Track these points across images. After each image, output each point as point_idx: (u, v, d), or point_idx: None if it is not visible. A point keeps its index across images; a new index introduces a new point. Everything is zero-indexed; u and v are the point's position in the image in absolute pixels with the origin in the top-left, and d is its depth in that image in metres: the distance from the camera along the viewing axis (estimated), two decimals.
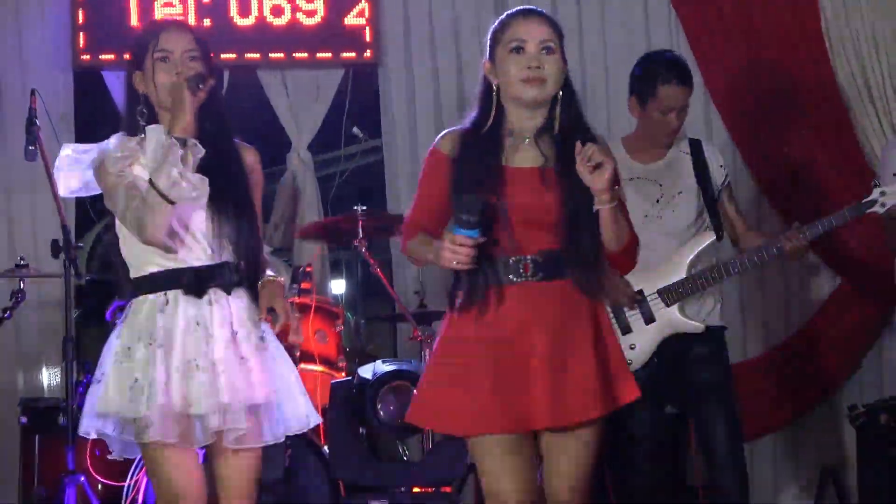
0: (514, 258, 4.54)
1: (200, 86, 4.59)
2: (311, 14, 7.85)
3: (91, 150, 4.74)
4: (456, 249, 4.37)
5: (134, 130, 4.69)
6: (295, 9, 7.85)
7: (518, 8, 4.70)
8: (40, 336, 7.61)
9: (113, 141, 4.70)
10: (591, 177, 4.42)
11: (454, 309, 4.56)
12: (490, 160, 4.56)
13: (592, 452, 4.62)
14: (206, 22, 7.72)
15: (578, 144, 4.42)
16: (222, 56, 7.59)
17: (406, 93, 8.02)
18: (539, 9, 4.72)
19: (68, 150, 4.82)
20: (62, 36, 7.79)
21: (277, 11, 7.84)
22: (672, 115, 6.45)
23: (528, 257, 4.55)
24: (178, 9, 7.77)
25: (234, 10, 7.82)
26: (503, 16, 4.68)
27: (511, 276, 4.54)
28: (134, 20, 7.75)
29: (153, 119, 4.67)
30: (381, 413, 6.50)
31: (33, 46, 7.82)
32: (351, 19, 7.87)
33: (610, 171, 4.43)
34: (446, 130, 4.70)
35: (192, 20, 7.61)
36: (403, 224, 4.72)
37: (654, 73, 6.43)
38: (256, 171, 4.84)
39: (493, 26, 4.67)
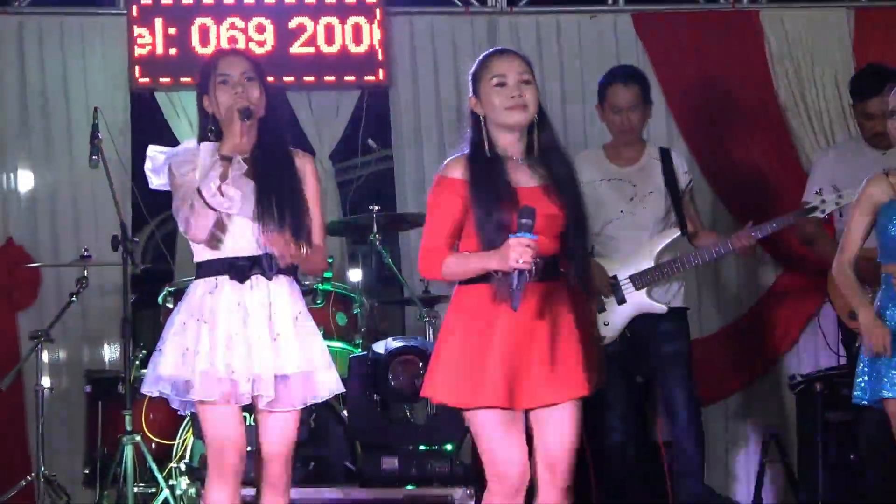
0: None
1: (248, 119, 4.61)
2: (331, 44, 7.80)
3: (168, 152, 4.80)
4: (524, 250, 4.31)
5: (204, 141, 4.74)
6: (321, 38, 7.80)
7: (493, 49, 4.73)
8: (102, 317, 7.58)
9: (180, 147, 4.78)
10: None
11: (476, 294, 4.51)
12: (502, 182, 4.53)
13: (577, 423, 4.61)
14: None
15: None
16: None
17: (413, 110, 8.00)
18: (511, 48, 4.77)
19: (153, 152, 4.87)
20: (120, 61, 7.75)
21: (305, 43, 7.79)
22: (623, 115, 6.51)
23: (534, 260, 4.45)
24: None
25: (264, 40, 7.76)
26: (481, 57, 4.68)
27: (515, 281, 4.43)
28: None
29: (220, 133, 4.69)
30: (392, 382, 6.47)
31: (95, 70, 7.78)
32: (365, 48, 7.81)
33: None
34: (449, 159, 4.65)
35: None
36: (423, 252, 4.61)
37: (605, 80, 6.59)
38: (310, 174, 4.83)
39: (474, 67, 4.66)
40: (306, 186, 4.78)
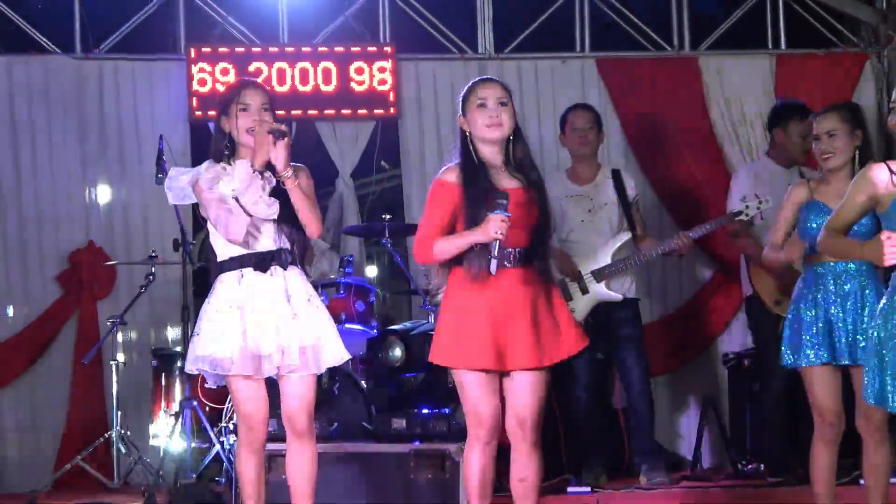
0: (506, 250, 4.51)
1: (281, 138, 4.58)
2: (359, 83, 7.80)
3: (189, 172, 4.75)
4: (500, 224, 4.38)
5: (219, 158, 4.71)
6: (344, 79, 7.79)
7: (478, 77, 4.75)
8: (165, 305, 7.58)
9: (204, 166, 4.72)
10: None
11: (473, 277, 4.51)
12: (487, 185, 4.56)
13: (545, 387, 4.63)
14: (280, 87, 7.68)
15: None
16: (292, 112, 7.60)
17: (418, 137, 7.98)
18: (493, 77, 4.78)
19: (174, 172, 4.83)
20: (181, 97, 7.76)
21: (322, 79, 7.78)
22: (582, 133, 6.61)
23: (515, 250, 4.54)
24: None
25: (297, 79, 7.76)
26: (470, 83, 4.70)
27: (505, 263, 4.52)
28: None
29: (233, 150, 4.66)
30: (381, 357, 6.48)
31: (160, 104, 7.79)
32: (380, 87, 7.81)
33: None
34: (445, 167, 4.66)
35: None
36: (417, 241, 4.65)
37: (566, 111, 6.75)
38: (303, 179, 4.75)
39: (463, 92, 4.69)
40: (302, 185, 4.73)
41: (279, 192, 4.64)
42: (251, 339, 4.59)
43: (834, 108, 5.23)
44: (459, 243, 4.54)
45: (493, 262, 4.44)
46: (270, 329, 4.60)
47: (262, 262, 4.66)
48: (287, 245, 4.70)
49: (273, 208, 4.59)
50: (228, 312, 4.62)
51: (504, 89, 4.64)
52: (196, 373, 4.81)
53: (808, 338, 5.07)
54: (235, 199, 4.56)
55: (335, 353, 4.75)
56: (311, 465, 4.72)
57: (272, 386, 4.78)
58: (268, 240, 4.68)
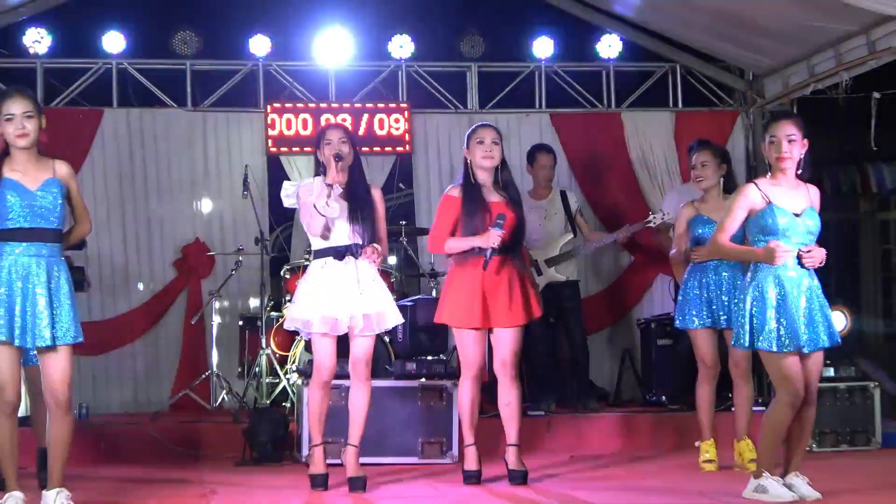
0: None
1: (339, 160, 4.64)
2: (383, 128, 7.77)
3: (295, 185, 4.82)
4: (496, 237, 4.51)
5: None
6: (373, 126, 7.77)
7: (480, 122, 4.85)
8: (248, 283, 7.54)
9: (306, 181, 4.78)
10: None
11: (464, 262, 4.63)
12: (480, 199, 4.68)
13: (519, 339, 4.72)
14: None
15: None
16: None
17: (425, 167, 7.96)
18: (490, 123, 4.85)
19: (286, 184, 4.87)
20: (261, 138, 7.76)
21: (358, 126, 7.73)
22: (546, 170, 6.68)
23: (501, 245, 4.63)
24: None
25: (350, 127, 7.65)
26: (474, 126, 4.82)
27: (489, 252, 4.61)
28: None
29: (325, 171, 4.71)
30: None
31: (246, 143, 7.78)
32: (397, 131, 7.79)
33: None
34: (451, 185, 4.80)
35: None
36: (430, 237, 4.77)
37: (534, 150, 6.79)
38: (379, 200, 4.83)
39: (468, 131, 4.80)
40: (377, 207, 4.79)
41: (348, 199, 4.67)
42: (330, 308, 4.62)
43: (707, 147, 5.37)
44: (464, 245, 4.64)
45: (487, 262, 4.58)
46: (343, 301, 4.62)
47: (339, 253, 4.68)
48: (359, 241, 4.70)
49: (337, 211, 4.61)
50: (316, 288, 4.65)
51: (497, 133, 4.75)
52: (292, 329, 4.80)
53: (694, 309, 5.15)
54: (314, 205, 4.60)
55: (392, 317, 4.76)
56: (365, 401, 4.74)
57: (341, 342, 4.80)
58: (343, 236, 4.69)
